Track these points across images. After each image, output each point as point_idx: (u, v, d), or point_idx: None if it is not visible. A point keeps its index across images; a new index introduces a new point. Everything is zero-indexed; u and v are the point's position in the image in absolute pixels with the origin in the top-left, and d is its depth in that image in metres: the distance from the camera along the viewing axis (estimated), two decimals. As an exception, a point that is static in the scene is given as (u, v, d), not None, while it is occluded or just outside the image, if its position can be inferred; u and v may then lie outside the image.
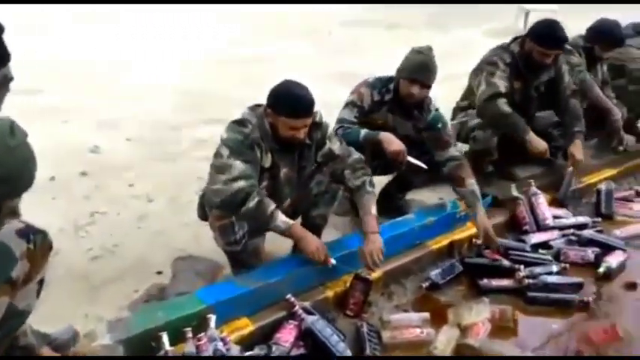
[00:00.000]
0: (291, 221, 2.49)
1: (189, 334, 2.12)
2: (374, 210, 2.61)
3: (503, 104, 3.45)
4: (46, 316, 2.39)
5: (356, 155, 2.73)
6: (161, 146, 4.49)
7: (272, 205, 2.42)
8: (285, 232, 2.47)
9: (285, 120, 2.44)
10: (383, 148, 2.96)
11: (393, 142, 2.97)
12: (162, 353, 2.03)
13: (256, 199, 2.37)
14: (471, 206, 3.02)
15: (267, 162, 2.54)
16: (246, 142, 2.44)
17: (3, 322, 1.57)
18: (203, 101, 5.38)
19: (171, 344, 2.09)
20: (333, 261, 2.51)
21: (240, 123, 2.50)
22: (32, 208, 3.19)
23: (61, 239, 3.12)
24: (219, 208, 2.46)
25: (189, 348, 2.08)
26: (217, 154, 2.51)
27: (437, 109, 3.16)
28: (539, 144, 3.47)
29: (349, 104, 3.11)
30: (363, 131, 3.00)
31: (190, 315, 2.20)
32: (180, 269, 2.90)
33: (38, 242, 1.66)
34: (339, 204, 3.20)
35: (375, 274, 2.70)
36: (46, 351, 1.81)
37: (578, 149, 3.63)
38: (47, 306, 2.52)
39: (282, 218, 2.44)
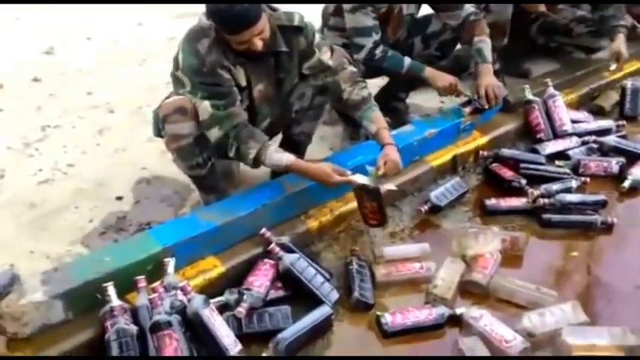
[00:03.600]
0: (287, 157, 2.08)
1: (142, 283, 1.77)
2: (384, 123, 2.27)
3: None
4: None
5: (351, 67, 2.33)
6: (126, 46, 3.96)
7: (256, 146, 2.03)
8: (285, 170, 2.12)
9: (228, 36, 1.99)
10: (432, 85, 2.68)
11: (441, 77, 2.65)
12: (107, 308, 1.69)
13: (234, 146, 2.04)
14: (475, 63, 2.76)
15: (242, 79, 2.11)
16: (204, 69, 2.00)
17: None
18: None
19: (121, 295, 1.75)
20: (353, 178, 2.09)
21: (194, 38, 2.02)
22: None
23: (7, 159, 2.75)
24: None
25: (140, 300, 1.74)
26: (178, 81, 2.11)
27: None
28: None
29: (357, 7, 2.58)
30: (407, 61, 2.66)
31: (144, 260, 1.84)
32: (143, 194, 2.54)
33: None
34: (328, 113, 2.81)
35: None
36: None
37: (621, 45, 3.16)
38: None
39: (273, 157, 2.06)
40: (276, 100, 2.25)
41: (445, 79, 2.64)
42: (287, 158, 2.07)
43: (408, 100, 3.09)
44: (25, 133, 2.96)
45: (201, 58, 1.99)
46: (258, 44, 1.98)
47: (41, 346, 1.65)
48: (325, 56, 2.26)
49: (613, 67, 3.21)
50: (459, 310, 1.89)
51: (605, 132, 2.94)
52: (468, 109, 2.73)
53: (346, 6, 2.62)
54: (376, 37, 2.61)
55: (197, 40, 2.01)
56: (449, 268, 2.08)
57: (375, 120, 2.25)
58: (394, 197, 2.43)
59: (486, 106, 2.71)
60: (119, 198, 2.50)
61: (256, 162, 2.06)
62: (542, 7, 3.06)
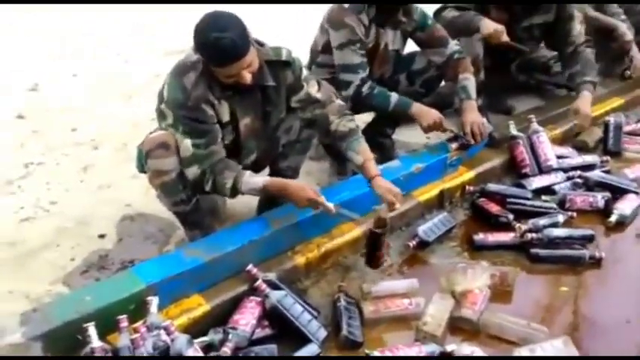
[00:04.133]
0: (261, 179, 2.09)
1: (124, 323, 1.72)
2: (371, 155, 2.28)
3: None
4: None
5: (339, 100, 2.35)
6: (111, 83, 3.96)
7: (231, 175, 2.04)
8: (262, 191, 2.10)
9: (216, 70, 1.99)
10: (417, 122, 2.67)
11: (427, 114, 2.65)
12: (88, 350, 1.63)
13: (210, 180, 2.05)
14: (460, 100, 2.79)
15: (226, 114, 2.11)
16: (188, 104, 2.00)
17: None
18: (160, 28, 4.80)
19: (103, 336, 1.69)
20: (330, 205, 2.09)
21: (181, 72, 2.03)
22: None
23: (-13, 198, 2.70)
24: None
25: (122, 341, 1.69)
26: (161, 114, 2.12)
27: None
28: (491, 24, 2.98)
29: (345, 44, 2.61)
30: (394, 98, 2.66)
31: (126, 299, 1.80)
32: (126, 231, 2.49)
33: None
34: (315, 148, 2.81)
35: (354, 233, 2.32)
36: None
37: (584, 103, 3.06)
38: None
39: (249, 181, 2.06)
40: (262, 135, 2.24)
41: (430, 116, 2.64)
42: (262, 179, 2.08)
43: (394, 136, 3.10)
44: (7, 170, 2.91)
45: (187, 93, 1.99)
46: (247, 77, 1.98)
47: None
48: (313, 89, 2.27)
49: (575, 122, 3.13)
50: (449, 348, 1.85)
51: (589, 167, 2.95)
52: (454, 145, 2.74)
53: (334, 42, 2.64)
54: (363, 74, 2.63)
55: (184, 74, 2.01)
56: (438, 304, 2.05)
57: (362, 151, 2.24)
58: (382, 233, 2.41)
59: (472, 142, 2.73)
60: (102, 236, 2.45)
61: (234, 191, 2.05)
62: (504, 38, 3.01)
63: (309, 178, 2.86)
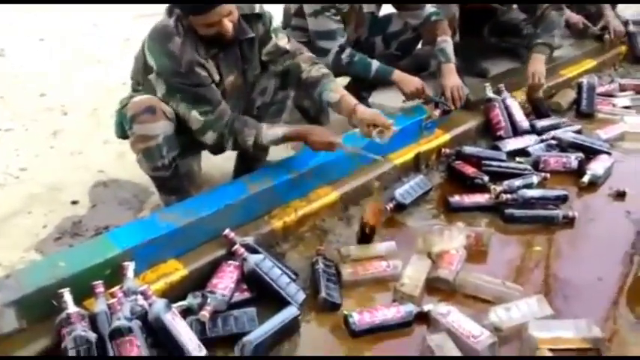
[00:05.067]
0: (280, 129, 2.13)
1: (100, 288, 1.70)
2: (345, 90, 2.28)
3: None
4: None
5: (309, 52, 2.32)
6: (80, 47, 3.84)
7: (251, 132, 2.08)
8: (285, 140, 2.17)
9: (196, 19, 1.95)
10: (399, 89, 2.66)
11: (409, 82, 2.64)
12: (64, 316, 1.61)
13: (230, 140, 2.09)
14: (439, 62, 2.78)
15: (215, 73, 2.08)
16: (181, 70, 1.96)
17: None
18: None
19: (78, 302, 1.67)
20: (343, 147, 2.16)
21: (164, 38, 1.97)
22: None
23: (-46, 165, 2.63)
24: None
25: (99, 306, 1.67)
26: (147, 85, 2.07)
27: None
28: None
29: (320, 11, 2.56)
30: (375, 65, 2.64)
31: (101, 264, 1.76)
32: (99, 197, 2.45)
33: None
34: (289, 112, 2.76)
35: (332, 197, 2.32)
36: None
37: (534, 65, 3.03)
38: None
39: (269, 133, 2.10)
40: (243, 93, 2.21)
41: (412, 84, 2.63)
42: (281, 130, 2.12)
43: (370, 99, 3.08)
44: (-27, 137, 2.84)
45: (177, 59, 1.94)
46: (229, 26, 1.96)
47: (-4, 356, 1.55)
48: (282, 42, 2.25)
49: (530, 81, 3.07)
50: (426, 307, 1.87)
51: (554, 127, 3.00)
52: (437, 112, 2.73)
53: (307, 9, 2.59)
54: (341, 39, 2.59)
55: (168, 40, 1.96)
56: (415, 265, 2.06)
57: (336, 89, 2.24)
58: (359, 196, 2.41)
59: (452, 108, 2.73)
60: (74, 202, 2.41)
61: (256, 145, 2.10)
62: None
63: (286, 145, 2.83)
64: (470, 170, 2.60)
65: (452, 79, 2.74)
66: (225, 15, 1.93)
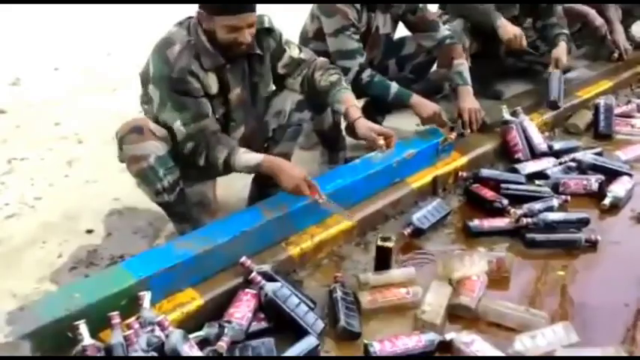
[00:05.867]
0: (257, 155, 2.05)
1: (116, 319, 1.67)
2: (354, 101, 2.25)
3: None
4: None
5: (323, 58, 2.33)
6: (94, 76, 3.87)
7: (224, 150, 2.03)
8: (257, 169, 2.06)
9: (222, 20, 1.96)
10: (416, 113, 2.65)
11: (427, 107, 2.61)
12: (79, 349, 1.58)
13: (203, 154, 2.03)
14: (456, 85, 2.79)
15: (214, 86, 2.08)
16: (172, 75, 1.97)
17: None
18: (143, 20, 4.69)
19: (94, 333, 1.64)
20: (323, 197, 2.07)
21: (164, 45, 2.02)
22: None
23: (-30, 195, 2.63)
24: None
25: (115, 338, 1.63)
26: (147, 98, 2.09)
27: None
28: (511, 29, 3.02)
29: (340, 30, 2.56)
30: (394, 88, 2.62)
31: (117, 294, 1.74)
32: (115, 226, 2.44)
33: None
34: (306, 137, 2.77)
35: (348, 222, 2.28)
36: None
37: (562, 52, 3.22)
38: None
39: (242, 158, 2.03)
40: (251, 108, 2.21)
41: (430, 108, 2.61)
42: (258, 156, 2.05)
43: (384, 123, 3.06)
44: (-12, 167, 2.85)
45: (170, 65, 1.97)
46: (248, 38, 1.99)
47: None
48: (295, 52, 2.26)
49: (556, 71, 3.20)
50: (448, 336, 1.82)
51: (574, 149, 2.95)
52: (453, 135, 2.71)
53: (327, 29, 2.59)
54: (361, 59, 2.59)
55: (167, 47, 2.00)
56: (436, 292, 2.01)
57: (345, 100, 2.22)
58: (376, 221, 2.38)
59: (468, 131, 2.71)
60: (90, 231, 2.40)
61: (226, 165, 2.03)
62: (524, 43, 3.09)
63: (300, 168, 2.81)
64: (488, 194, 2.56)
65: (469, 101, 2.72)
66: (249, 24, 1.97)
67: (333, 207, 2.15)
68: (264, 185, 2.39)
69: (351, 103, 2.22)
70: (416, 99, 2.62)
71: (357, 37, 2.57)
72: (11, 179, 2.77)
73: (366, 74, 2.58)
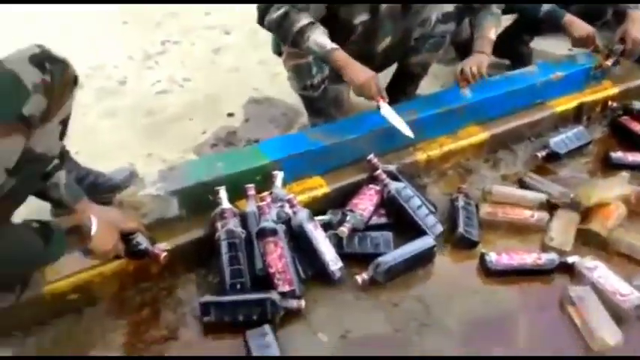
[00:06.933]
0: (332, 44, 1.91)
1: (252, 191, 1.80)
2: (492, 34, 2.21)
3: None
4: (105, 151, 2.19)
5: None
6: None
7: (303, 20, 1.89)
8: (328, 55, 1.91)
9: None
10: (567, 34, 2.50)
11: (580, 27, 2.47)
12: (218, 211, 1.74)
13: (282, 10, 1.89)
14: (623, 10, 2.56)
15: None
16: None
17: (20, 166, 1.28)
18: None
19: (231, 200, 1.78)
20: (383, 102, 1.96)
21: None
22: (100, 32, 2.84)
23: (128, 67, 2.87)
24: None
25: (249, 207, 1.77)
26: None
27: None
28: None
29: None
30: (546, 5, 2.51)
31: (253, 169, 1.87)
32: (253, 113, 2.56)
33: (57, 74, 1.30)
34: (444, 51, 2.67)
35: (481, 137, 2.24)
36: (82, 207, 1.53)
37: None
38: (108, 139, 2.32)
39: (319, 37, 1.90)
40: (400, 21, 2.14)
41: (583, 29, 2.44)
42: (333, 45, 1.91)
43: (532, 45, 2.89)
44: (145, 46, 3.07)
45: None
46: None
47: (159, 238, 1.68)
48: None
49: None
50: (570, 259, 1.78)
51: None
52: (609, 62, 2.51)
53: None
54: None
55: None
56: (562, 219, 1.95)
57: (481, 27, 2.21)
58: (509, 139, 2.31)
59: (629, 59, 2.50)
60: (230, 114, 2.55)
61: (300, 34, 1.89)
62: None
63: (435, 80, 2.76)
64: (638, 127, 2.38)
65: (637, 28, 2.48)
66: None
67: (395, 119, 1.99)
68: (405, 79, 2.40)
69: (484, 34, 2.20)
70: (569, 17, 2.46)
71: None
72: (164, 59, 2.98)
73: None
